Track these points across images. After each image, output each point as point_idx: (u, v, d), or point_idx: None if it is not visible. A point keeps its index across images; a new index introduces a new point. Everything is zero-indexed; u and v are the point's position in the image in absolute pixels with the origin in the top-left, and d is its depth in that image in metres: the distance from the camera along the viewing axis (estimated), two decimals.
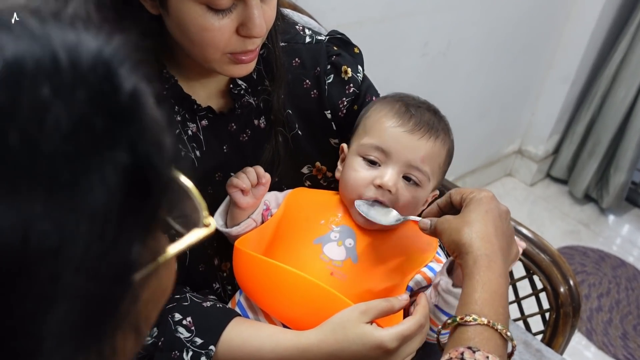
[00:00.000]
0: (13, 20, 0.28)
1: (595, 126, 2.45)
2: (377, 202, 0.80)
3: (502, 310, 0.62)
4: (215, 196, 0.85)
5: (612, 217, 2.55)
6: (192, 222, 0.35)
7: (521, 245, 0.75)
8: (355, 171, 0.81)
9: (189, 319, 0.75)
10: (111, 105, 0.28)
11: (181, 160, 0.34)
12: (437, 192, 0.88)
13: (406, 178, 0.81)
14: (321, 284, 0.73)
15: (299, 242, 0.79)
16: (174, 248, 0.34)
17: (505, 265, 0.66)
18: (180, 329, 0.74)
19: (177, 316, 0.75)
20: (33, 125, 0.25)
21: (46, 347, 0.27)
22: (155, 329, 0.75)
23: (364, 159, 0.82)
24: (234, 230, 0.83)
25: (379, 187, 0.79)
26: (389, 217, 0.78)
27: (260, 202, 0.84)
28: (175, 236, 0.34)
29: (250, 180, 0.80)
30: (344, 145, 0.88)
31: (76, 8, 0.31)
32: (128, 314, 0.31)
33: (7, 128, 0.24)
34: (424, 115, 0.82)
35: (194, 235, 0.35)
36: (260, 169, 0.82)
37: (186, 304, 0.77)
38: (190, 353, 0.73)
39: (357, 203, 0.79)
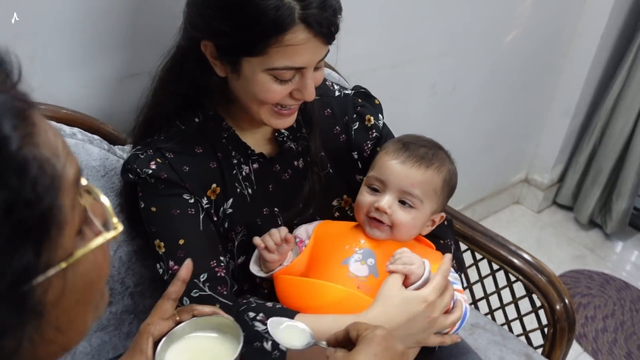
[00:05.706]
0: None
1: (597, 156, 2.51)
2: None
3: None
4: (263, 227, 1.00)
5: (616, 242, 2.61)
6: (106, 227, 0.40)
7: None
8: (362, 195, 1.00)
9: (261, 314, 0.89)
10: None
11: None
12: (444, 215, 1.03)
13: (402, 202, 0.96)
14: (349, 289, 0.89)
15: (329, 265, 0.94)
16: (82, 251, 0.37)
17: None
18: (257, 324, 0.88)
19: (251, 314, 0.89)
20: None
21: None
22: None
23: (369, 187, 0.99)
24: (269, 275, 0.98)
25: (377, 209, 0.95)
26: (301, 340, 0.77)
27: (289, 255, 0.98)
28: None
29: (274, 241, 0.94)
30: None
31: None
32: (35, 313, 0.35)
33: None
34: (417, 150, 0.98)
35: (104, 237, 0.39)
36: (285, 232, 0.95)
37: (254, 305, 0.91)
38: (270, 342, 0.85)
39: (270, 324, 0.79)
